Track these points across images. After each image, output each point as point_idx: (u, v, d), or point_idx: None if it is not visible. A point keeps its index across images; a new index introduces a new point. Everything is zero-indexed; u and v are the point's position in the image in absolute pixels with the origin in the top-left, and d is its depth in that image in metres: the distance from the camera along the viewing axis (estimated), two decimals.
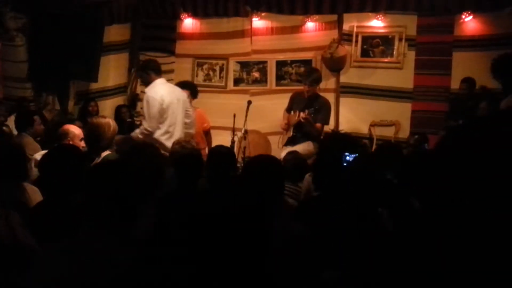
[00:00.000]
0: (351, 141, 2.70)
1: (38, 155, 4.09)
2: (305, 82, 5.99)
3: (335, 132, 3.39)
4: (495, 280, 1.79)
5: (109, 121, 4.04)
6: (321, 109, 5.91)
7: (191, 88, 6.04)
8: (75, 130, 4.23)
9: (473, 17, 6.58)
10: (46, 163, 2.83)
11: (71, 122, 5.29)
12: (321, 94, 7.03)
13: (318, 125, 5.84)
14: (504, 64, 3.97)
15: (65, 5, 6.44)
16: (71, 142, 4.07)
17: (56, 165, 2.77)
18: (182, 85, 6.07)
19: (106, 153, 3.89)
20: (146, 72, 5.14)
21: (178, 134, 4.96)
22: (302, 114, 5.74)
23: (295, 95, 6.21)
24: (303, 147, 5.62)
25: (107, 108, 7.56)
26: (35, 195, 3.07)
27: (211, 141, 6.26)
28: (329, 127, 6.74)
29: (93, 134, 4.01)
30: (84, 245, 1.86)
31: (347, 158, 2.44)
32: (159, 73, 5.14)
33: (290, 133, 5.96)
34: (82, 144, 4.09)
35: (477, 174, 1.93)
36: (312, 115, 5.72)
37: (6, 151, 3.10)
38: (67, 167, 2.73)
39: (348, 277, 2.12)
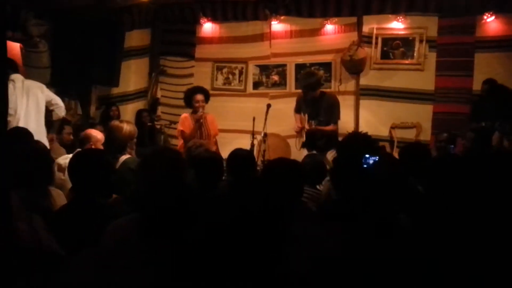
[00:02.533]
0: (371, 142, 2.67)
1: (61, 160, 4.15)
2: (300, 87, 5.95)
3: (356, 133, 3.34)
4: None
5: (122, 125, 4.08)
6: (329, 109, 5.84)
7: (204, 93, 6.12)
8: (97, 134, 4.28)
9: (495, 18, 6.50)
10: (72, 167, 2.86)
11: (93, 126, 5.38)
12: (341, 96, 7.02)
13: (330, 127, 5.79)
14: None
15: (86, 12, 6.53)
16: (93, 147, 4.13)
17: (82, 169, 2.80)
18: (197, 90, 6.17)
19: (125, 156, 3.93)
20: None
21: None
22: (306, 126, 5.80)
23: (300, 97, 6.15)
24: (330, 155, 5.55)
25: (128, 112, 7.64)
26: (59, 199, 3.11)
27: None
28: (349, 129, 6.71)
29: (107, 138, 4.15)
30: (118, 253, 1.85)
31: (368, 160, 2.42)
32: (16, 70, 5.50)
33: (303, 138, 5.95)
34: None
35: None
36: (316, 125, 5.74)
37: (31, 155, 3.14)
38: (93, 171, 2.76)
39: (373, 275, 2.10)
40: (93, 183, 2.72)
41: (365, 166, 2.41)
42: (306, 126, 5.82)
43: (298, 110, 6.15)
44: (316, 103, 5.86)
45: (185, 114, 6.12)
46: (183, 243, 1.90)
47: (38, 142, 3.98)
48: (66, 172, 3.84)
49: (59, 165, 4.07)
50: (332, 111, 5.83)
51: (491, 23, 6.56)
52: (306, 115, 5.86)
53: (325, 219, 2.80)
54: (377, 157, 2.39)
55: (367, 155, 2.37)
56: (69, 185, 3.50)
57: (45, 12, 6.35)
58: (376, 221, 2.40)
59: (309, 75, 6.03)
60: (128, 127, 4.07)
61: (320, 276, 2.01)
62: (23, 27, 6.18)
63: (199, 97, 5.97)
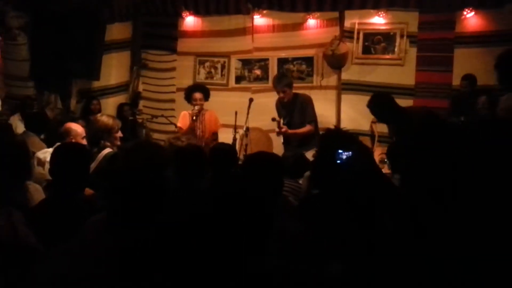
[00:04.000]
0: (347, 138, 2.69)
1: (41, 154, 4.12)
2: (277, 89, 5.99)
3: (334, 129, 3.37)
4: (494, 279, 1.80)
5: (99, 117, 4.13)
6: (302, 110, 5.92)
7: (203, 91, 6.19)
8: (77, 128, 4.25)
9: (475, 14, 6.58)
10: (54, 161, 2.83)
11: (73, 120, 5.33)
12: (323, 91, 7.05)
13: (306, 128, 5.83)
14: (507, 59, 3.94)
15: (67, 4, 6.45)
16: (73, 140, 4.10)
17: (61, 163, 2.78)
18: (196, 88, 6.26)
19: (107, 151, 3.91)
20: None
21: None
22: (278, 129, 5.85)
23: (277, 102, 6.18)
24: (310, 154, 5.55)
25: (109, 106, 7.58)
26: (37, 194, 3.08)
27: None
28: (331, 124, 6.74)
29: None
30: (89, 247, 1.85)
31: (342, 155, 2.45)
32: None
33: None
34: (84, 142, 4.12)
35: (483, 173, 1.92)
36: (285, 123, 5.82)
37: (9, 149, 3.10)
38: (75, 165, 2.75)
39: (351, 272, 2.13)
40: (73, 177, 2.70)
41: (339, 161, 2.44)
42: (280, 128, 5.86)
43: (279, 115, 6.21)
44: (290, 105, 5.95)
45: (185, 112, 6.22)
46: (158, 235, 1.90)
47: (15, 136, 3.94)
48: (46, 166, 3.82)
49: (39, 159, 4.04)
50: (305, 112, 5.91)
51: (471, 19, 6.64)
52: (281, 119, 5.94)
53: (306, 214, 2.81)
54: (353, 151, 2.42)
55: (341, 150, 2.40)
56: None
57: (24, 4, 6.27)
58: (356, 215, 2.43)
59: (284, 76, 6.22)
60: (105, 119, 4.07)
61: (300, 273, 2.03)
62: (2, 19, 6.10)
63: (197, 95, 6.06)
